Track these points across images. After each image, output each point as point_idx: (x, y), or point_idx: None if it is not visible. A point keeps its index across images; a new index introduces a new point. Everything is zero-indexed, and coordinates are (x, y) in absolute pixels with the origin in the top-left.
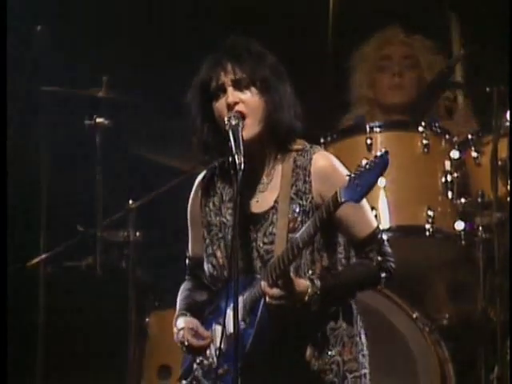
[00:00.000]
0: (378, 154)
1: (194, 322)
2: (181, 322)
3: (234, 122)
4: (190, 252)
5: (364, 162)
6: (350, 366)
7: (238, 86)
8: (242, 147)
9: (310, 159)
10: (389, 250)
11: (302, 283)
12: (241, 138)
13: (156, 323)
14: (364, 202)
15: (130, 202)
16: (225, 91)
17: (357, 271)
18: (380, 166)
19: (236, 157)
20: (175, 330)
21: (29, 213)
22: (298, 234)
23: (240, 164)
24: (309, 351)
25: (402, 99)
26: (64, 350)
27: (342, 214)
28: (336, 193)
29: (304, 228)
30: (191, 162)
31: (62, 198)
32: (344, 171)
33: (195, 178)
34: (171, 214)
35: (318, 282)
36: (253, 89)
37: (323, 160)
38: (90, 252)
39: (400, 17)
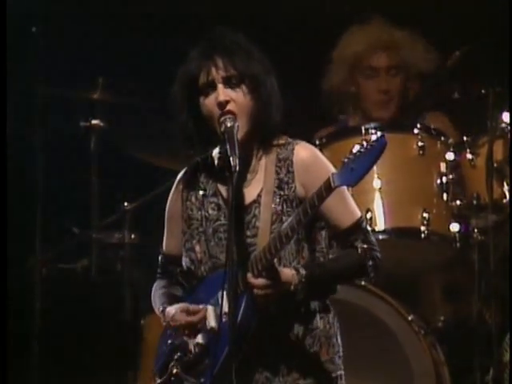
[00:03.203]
0: (374, 137)
1: (183, 304)
2: (170, 310)
3: (229, 124)
4: (164, 248)
5: (358, 146)
6: (326, 368)
7: (229, 83)
8: (237, 149)
9: (293, 149)
10: (373, 239)
11: (287, 272)
12: (236, 140)
13: (151, 325)
14: (346, 192)
15: (126, 203)
16: (214, 88)
17: (342, 260)
18: (377, 149)
19: (231, 159)
20: (167, 318)
21: (24, 215)
22: (286, 223)
23: (235, 166)
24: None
25: (387, 114)
26: (60, 352)
27: (325, 203)
28: (329, 178)
29: (293, 216)
30: (187, 163)
31: (57, 200)
32: (326, 163)
33: None
34: None
35: (303, 271)
36: (243, 86)
37: (305, 151)
38: (86, 254)
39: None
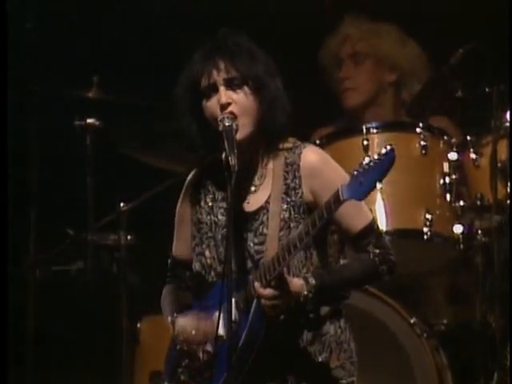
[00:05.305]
0: (384, 151)
1: (192, 319)
2: (180, 323)
3: (227, 124)
4: (173, 251)
5: (367, 159)
6: (336, 374)
7: (231, 85)
8: (235, 149)
9: (300, 154)
10: (387, 242)
11: (297, 283)
12: (234, 139)
13: (147, 328)
14: None
15: (122, 204)
16: (216, 90)
17: (354, 267)
18: (386, 163)
19: (230, 158)
20: (177, 330)
21: (18, 216)
22: (295, 233)
23: (234, 166)
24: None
25: (352, 102)
26: (54, 355)
27: None
28: (338, 191)
29: (301, 226)
30: (184, 163)
31: (51, 201)
32: (335, 166)
33: None
34: (163, 217)
35: (312, 281)
36: (245, 88)
37: (313, 154)
38: (81, 256)
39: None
